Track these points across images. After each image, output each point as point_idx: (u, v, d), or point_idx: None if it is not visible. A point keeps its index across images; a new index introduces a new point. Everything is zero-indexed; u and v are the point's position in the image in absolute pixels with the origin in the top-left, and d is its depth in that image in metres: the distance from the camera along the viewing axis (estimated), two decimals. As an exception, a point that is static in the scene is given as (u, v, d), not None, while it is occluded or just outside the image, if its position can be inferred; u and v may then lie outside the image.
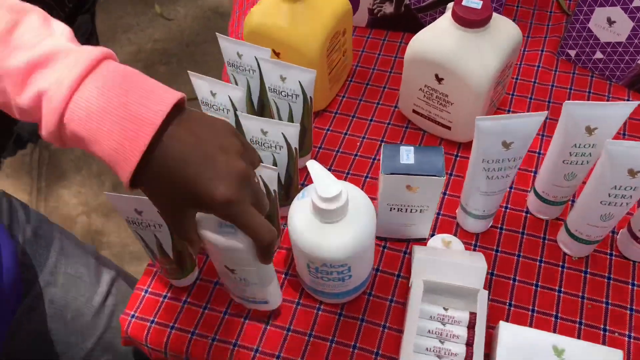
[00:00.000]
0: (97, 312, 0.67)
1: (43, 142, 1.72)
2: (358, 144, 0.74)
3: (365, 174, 0.71)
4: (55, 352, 0.65)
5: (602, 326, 0.59)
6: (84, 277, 0.67)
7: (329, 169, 0.71)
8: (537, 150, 0.71)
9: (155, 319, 0.62)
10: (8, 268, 0.54)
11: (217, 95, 0.60)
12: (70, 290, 0.64)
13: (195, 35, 1.94)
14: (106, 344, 0.69)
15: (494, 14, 0.63)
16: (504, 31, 0.64)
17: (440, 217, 0.67)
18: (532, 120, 0.53)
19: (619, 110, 0.53)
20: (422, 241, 0.65)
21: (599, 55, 0.75)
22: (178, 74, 1.86)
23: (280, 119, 0.65)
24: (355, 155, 0.73)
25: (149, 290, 0.64)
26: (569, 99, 0.76)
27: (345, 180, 0.71)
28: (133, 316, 0.62)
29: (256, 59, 0.62)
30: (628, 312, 0.59)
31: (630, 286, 0.61)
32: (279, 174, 0.61)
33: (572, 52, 0.78)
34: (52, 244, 0.63)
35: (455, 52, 0.62)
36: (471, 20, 0.60)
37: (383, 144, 0.57)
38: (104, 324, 0.68)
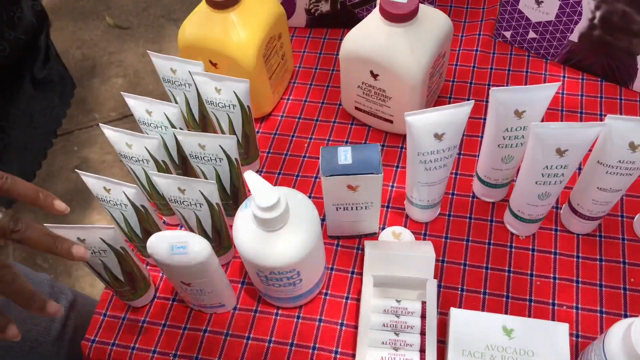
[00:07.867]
0: (58, 340, 0.67)
1: None
2: (306, 145, 0.74)
3: (315, 175, 0.72)
4: None
5: (550, 301, 0.60)
6: None
7: (279, 173, 0.72)
8: (480, 135, 0.73)
9: (116, 342, 0.62)
10: None
11: (153, 113, 0.60)
12: (26, 321, 0.64)
13: (151, 43, 1.93)
14: None
15: (422, 6, 0.64)
16: (433, 22, 0.65)
17: (389, 210, 0.68)
18: (461, 111, 0.54)
19: (543, 92, 0.54)
20: (374, 236, 0.66)
21: (532, 34, 0.76)
22: (137, 84, 1.85)
23: (221, 129, 0.65)
24: (304, 156, 0.74)
25: (108, 313, 0.64)
26: (508, 81, 0.77)
27: (295, 182, 0.71)
28: (94, 341, 0.62)
29: (190, 73, 0.62)
30: (574, 284, 0.61)
31: (575, 259, 0.63)
32: (224, 185, 0.61)
33: (508, 34, 0.79)
34: None
35: (386, 47, 0.63)
36: (398, 15, 0.61)
37: (322, 147, 0.57)
38: (65, 351, 0.68)
